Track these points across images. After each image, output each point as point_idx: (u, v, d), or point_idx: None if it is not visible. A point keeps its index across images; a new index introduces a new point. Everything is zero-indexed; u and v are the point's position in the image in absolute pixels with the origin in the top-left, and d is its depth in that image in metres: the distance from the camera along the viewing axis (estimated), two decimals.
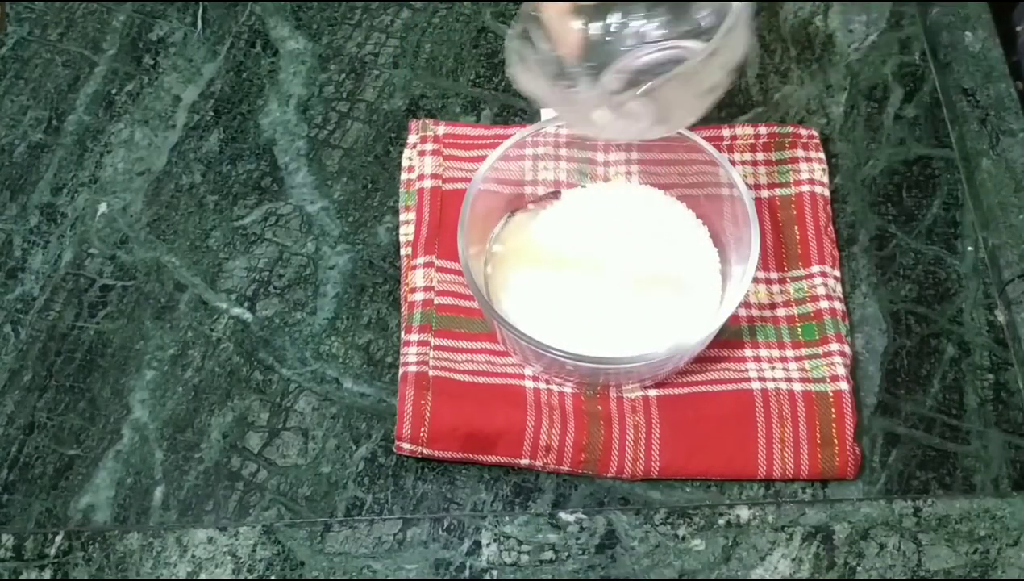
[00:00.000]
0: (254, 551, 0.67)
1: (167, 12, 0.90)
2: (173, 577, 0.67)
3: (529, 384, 0.71)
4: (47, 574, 0.67)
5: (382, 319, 0.76)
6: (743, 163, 0.79)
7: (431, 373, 0.71)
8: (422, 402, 0.69)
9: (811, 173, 0.78)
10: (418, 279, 0.74)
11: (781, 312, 0.74)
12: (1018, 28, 0.85)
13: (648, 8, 0.67)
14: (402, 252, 0.77)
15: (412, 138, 0.81)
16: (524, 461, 0.69)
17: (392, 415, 0.72)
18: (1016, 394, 0.72)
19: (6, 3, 0.91)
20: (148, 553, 0.67)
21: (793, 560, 0.67)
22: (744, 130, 0.80)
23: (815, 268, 0.75)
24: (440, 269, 0.74)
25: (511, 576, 0.66)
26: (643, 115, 0.61)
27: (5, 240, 0.79)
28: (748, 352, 0.73)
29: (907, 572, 0.66)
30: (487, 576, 0.66)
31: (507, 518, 0.68)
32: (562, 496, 0.70)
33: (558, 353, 0.66)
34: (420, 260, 0.75)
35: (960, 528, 0.68)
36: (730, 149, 0.80)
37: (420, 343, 0.72)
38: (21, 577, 0.67)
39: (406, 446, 0.69)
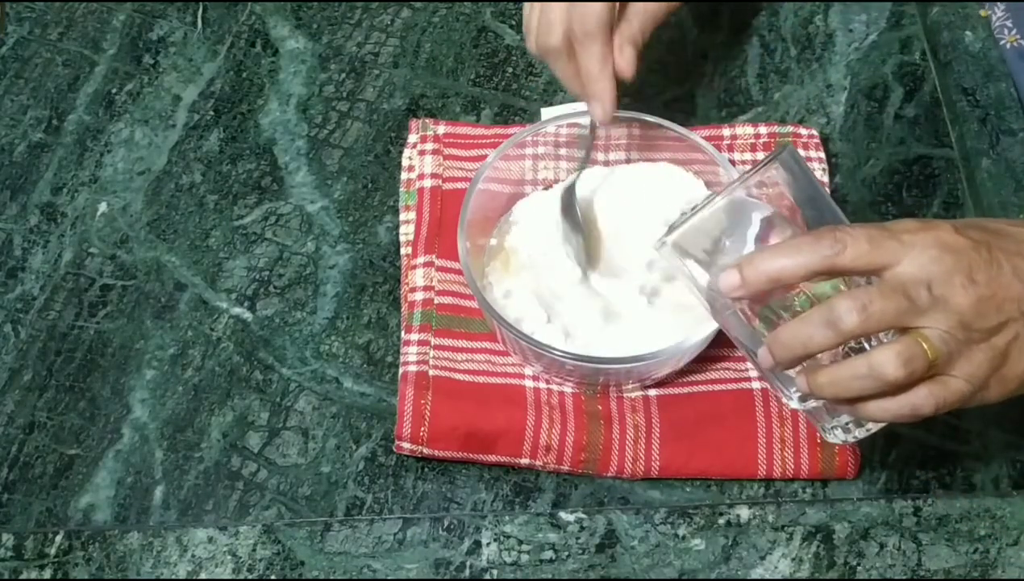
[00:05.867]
0: (254, 551, 0.67)
1: (167, 12, 0.90)
2: (173, 577, 0.67)
3: (529, 384, 0.71)
4: (47, 574, 0.67)
5: (382, 319, 0.76)
6: (743, 163, 0.79)
7: (431, 372, 0.71)
8: (422, 402, 0.69)
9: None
10: (418, 279, 0.74)
11: None
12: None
13: None
14: (402, 251, 0.77)
15: (412, 138, 0.81)
16: (524, 460, 0.69)
17: (392, 415, 0.72)
18: None
19: (6, 3, 0.91)
20: (148, 553, 0.67)
21: (793, 560, 0.67)
22: (744, 130, 0.80)
23: None
24: (440, 269, 0.74)
25: (511, 576, 0.66)
26: None
27: (5, 240, 0.79)
28: None
29: (907, 572, 0.66)
30: (487, 576, 0.66)
31: (507, 517, 0.68)
32: (562, 496, 0.70)
33: (558, 353, 0.66)
34: (420, 260, 0.75)
35: (960, 528, 0.67)
36: (730, 149, 0.80)
37: (420, 343, 0.72)
38: (21, 577, 0.67)
39: (406, 446, 0.69)
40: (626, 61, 0.69)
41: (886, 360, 0.54)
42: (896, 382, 0.55)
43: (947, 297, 0.54)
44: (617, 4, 0.68)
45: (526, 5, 0.72)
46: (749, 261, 0.56)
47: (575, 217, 0.72)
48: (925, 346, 0.54)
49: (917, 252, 0.54)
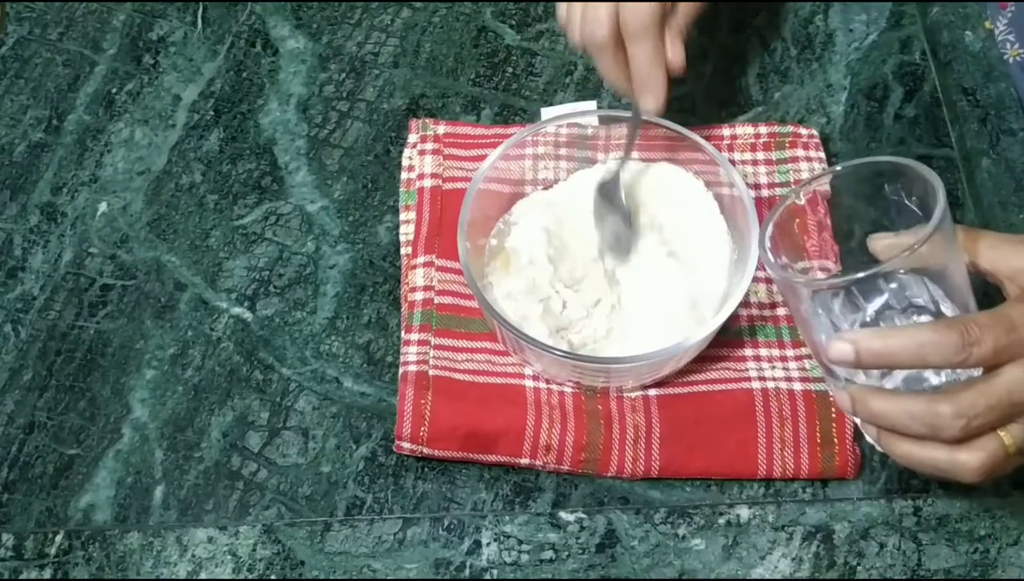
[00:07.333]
0: (254, 550, 0.67)
1: (167, 11, 0.90)
2: (173, 577, 0.67)
3: (529, 383, 0.71)
4: (47, 574, 0.67)
5: (382, 318, 0.76)
6: (743, 163, 0.79)
7: (431, 372, 0.71)
8: (422, 401, 0.69)
9: (811, 172, 0.78)
10: (418, 278, 0.74)
11: (781, 311, 0.74)
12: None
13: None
14: (402, 251, 0.77)
15: (412, 137, 0.81)
16: (524, 460, 0.69)
17: (392, 414, 0.72)
18: None
19: (6, 3, 0.91)
20: (148, 552, 0.67)
21: (793, 559, 0.67)
22: (744, 129, 0.80)
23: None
24: (440, 268, 0.74)
25: (511, 576, 0.66)
26: None
27: (5, 240, 0.79)
28: (748, 351, 0.73)
29: (907, 571, 0.66)
30: (487, 576, 0.67)
31: (507, 517, 0.68)
32: (562, 495, 0.70)
33: (558, 353, 0.66)
34: (420, 259, 0.75)
35: (960, 527, 0.68)
36: (730, 149, 0.80)
37: (420, 342, 0.72)
38: (21, 577, 0.67)
39: (406, 445, 0.69)
40: (677, 55, 0.70)
41: (969, 470, 0.55)
42: (969, 482, 0.56)
43: None
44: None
45: None
46: (869, 342, 0.55)
47: (616, 201, 0.73)
48: (1007, 443, 0.54)
49: None
